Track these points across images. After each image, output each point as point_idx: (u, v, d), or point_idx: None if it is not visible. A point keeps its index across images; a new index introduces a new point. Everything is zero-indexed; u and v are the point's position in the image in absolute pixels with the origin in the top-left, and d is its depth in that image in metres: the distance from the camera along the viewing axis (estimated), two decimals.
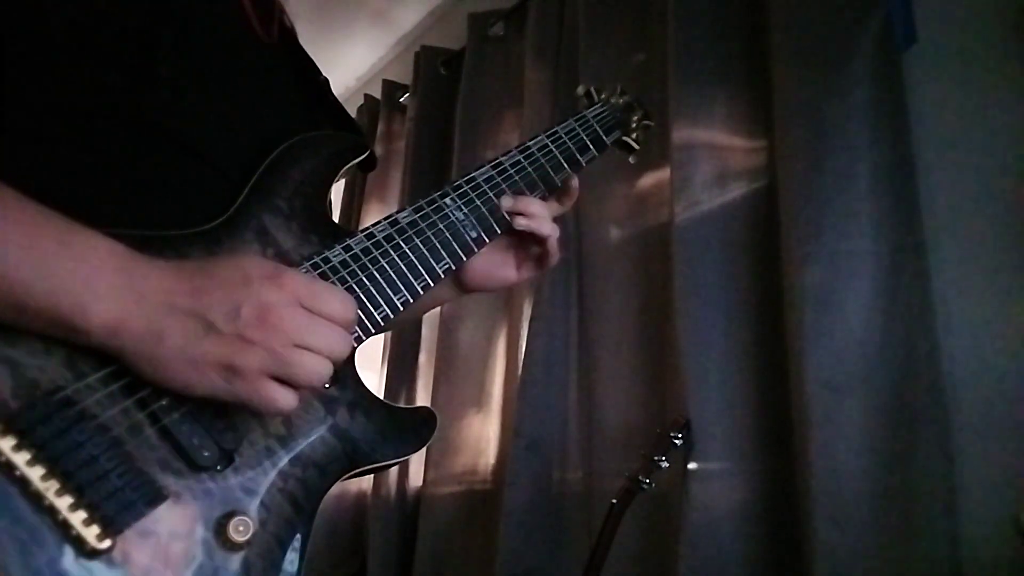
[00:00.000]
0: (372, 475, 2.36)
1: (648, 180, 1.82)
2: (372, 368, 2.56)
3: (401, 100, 2.87)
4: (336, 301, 0.59)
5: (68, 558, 0.49)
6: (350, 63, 3.24)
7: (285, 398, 0.56)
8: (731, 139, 1.65)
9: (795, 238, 1.42)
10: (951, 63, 1.41)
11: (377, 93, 2.97)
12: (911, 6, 1.44)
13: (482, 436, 2.15)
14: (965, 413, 1.28)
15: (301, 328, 0.55)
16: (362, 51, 3.19)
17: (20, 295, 0.49)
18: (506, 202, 0.85)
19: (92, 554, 0.49)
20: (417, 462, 2.26)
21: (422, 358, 2.47)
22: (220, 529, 0.56)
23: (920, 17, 1.44)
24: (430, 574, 2.09)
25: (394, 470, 2.35)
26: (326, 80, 0.90)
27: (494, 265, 0.90)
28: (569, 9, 2.12)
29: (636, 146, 1.04)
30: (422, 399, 2.40)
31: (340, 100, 0.90)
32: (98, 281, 0.51)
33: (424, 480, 2.19)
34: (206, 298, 0.54)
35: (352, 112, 3.03)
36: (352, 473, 0.67)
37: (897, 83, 1.39)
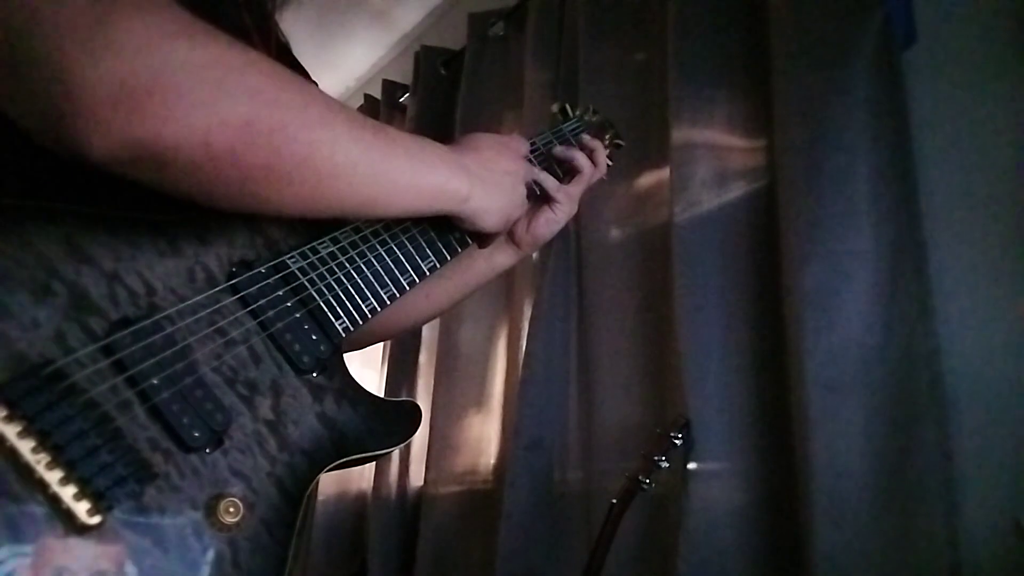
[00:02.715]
0: (372, 476, 2.36)
1: (648, 180, 1.82)
2: (372, 368, 2.56)
3: (401, 100, 2.87)
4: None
5: (57, 533, 0.48)
6: (350, 63, 3.23)
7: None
8: (731, 139, 1.65)
9: (795, 238, 1.41)
10: (951, 63, 1.41)
11: (377, 93, 2.96)
12: (911, 6, 1.44)
13: (482, 436, 2.14)
14: (965, 413, 1.27)
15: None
16: (362, 51, 3.18)
17: (419, 190, 0.71)
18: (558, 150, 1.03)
19: (82, 529, 0.49)
20: (417, 462, 2.26)
21: (422, 358, 2.46)
22: (210, 510, 0.56)
23: (920, 17, 1.43)
24: (430, 574, 2.09)
25: (394, 469, 2.34)
26: None
27: (529, 220, 0.98)
28: (569, 9, 2.12)
29: (609, 162, 1.08)
30: (422, 399, 2.40)
31: (340, 100, 0.92)
32: (448, 168, 0.75)
33: (424, 480, 2.18)
34: (492, 159, 0.81)
35: None
36: (338, 462, 0.68)
37: (897, 83, 1.39)
